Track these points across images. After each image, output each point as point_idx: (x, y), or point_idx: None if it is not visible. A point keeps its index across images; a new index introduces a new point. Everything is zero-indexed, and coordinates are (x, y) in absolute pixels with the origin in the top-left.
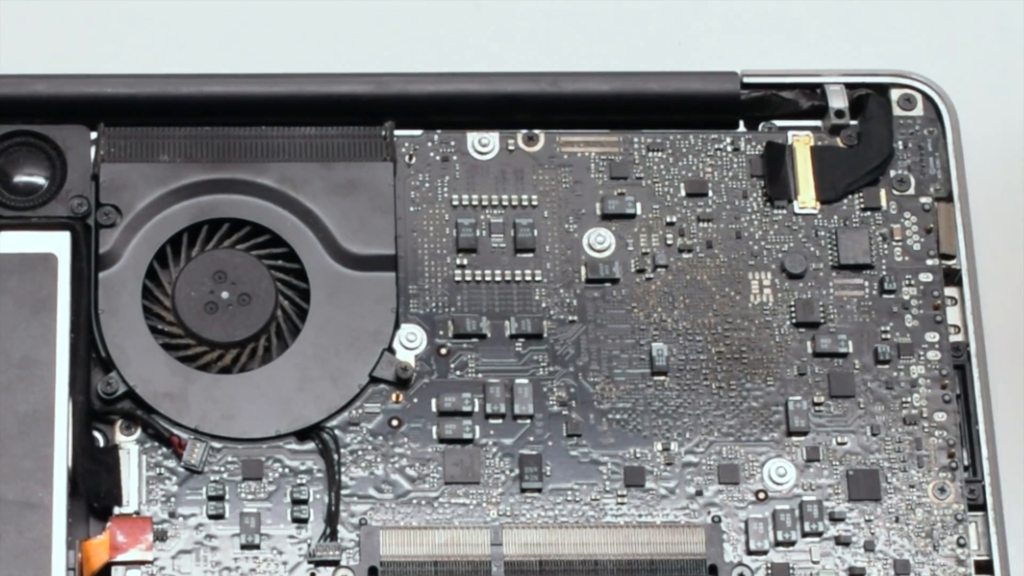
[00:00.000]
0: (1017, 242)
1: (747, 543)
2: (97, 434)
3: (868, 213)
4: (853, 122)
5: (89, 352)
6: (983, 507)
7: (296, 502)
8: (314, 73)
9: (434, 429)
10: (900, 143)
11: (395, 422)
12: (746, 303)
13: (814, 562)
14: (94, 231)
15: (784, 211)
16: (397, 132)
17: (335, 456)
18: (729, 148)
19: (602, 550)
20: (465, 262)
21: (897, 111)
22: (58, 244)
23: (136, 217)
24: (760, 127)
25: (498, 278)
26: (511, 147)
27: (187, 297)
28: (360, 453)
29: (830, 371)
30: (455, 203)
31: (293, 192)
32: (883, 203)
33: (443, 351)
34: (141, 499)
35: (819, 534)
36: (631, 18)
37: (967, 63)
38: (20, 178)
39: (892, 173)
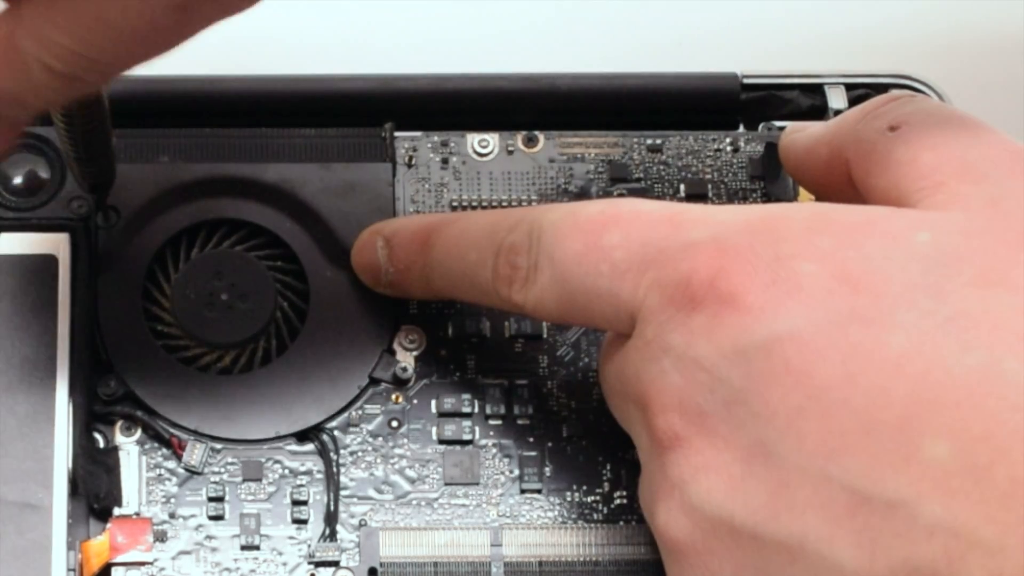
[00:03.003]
0: None
1: None
2: (97, 435)
3: None
4: None
5: (89, 353)
6: None
7: (296, 503)
8: (313, 74)
9: (434, 430)
10: None
11: (395, 423)
12: None
13: None
14: (94, 232)
15: None
16: (397, 133)
17: (333, 457)
18: (729, 148)
19: (602, 550)
20: None
21: None
22: (58, 245)
23: (136, 218)
24: (760, 127)
25: None
26: (511, 148)
27: (186, 298)
28: (360, 454)
29: None
30: (455, 204)
31: (292, 193)
32: None
33: (443, 352)
34: (141, 500)
35: None
36: (631, 18)
37: (967, 63)
38: (20, 179)
39: None
